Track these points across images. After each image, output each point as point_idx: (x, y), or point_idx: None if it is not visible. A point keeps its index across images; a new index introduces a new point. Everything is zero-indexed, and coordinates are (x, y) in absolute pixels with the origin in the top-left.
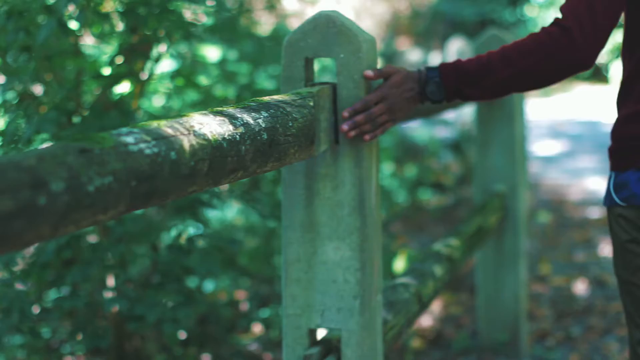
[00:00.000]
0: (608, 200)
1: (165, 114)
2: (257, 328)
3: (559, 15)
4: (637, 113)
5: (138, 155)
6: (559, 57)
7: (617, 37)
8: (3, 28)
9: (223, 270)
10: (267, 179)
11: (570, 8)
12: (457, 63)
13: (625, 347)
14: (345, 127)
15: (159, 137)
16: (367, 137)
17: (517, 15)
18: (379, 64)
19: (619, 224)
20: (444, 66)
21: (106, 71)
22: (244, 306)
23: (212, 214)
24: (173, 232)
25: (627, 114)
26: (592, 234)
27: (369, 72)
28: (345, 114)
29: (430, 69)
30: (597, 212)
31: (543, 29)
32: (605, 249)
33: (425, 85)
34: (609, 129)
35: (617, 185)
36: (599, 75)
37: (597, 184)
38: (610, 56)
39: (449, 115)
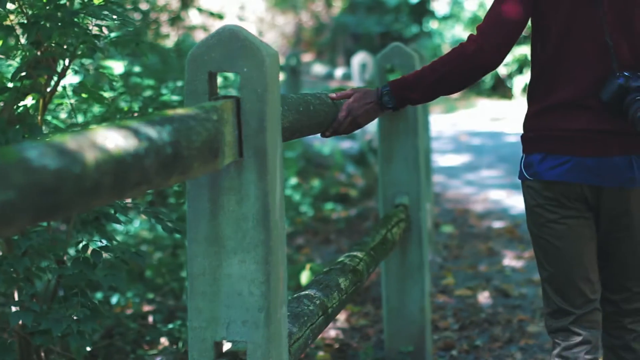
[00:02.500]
0: (521, 175)
1: (70, 127)
2: (164, 341)
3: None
4: (539, 111)
5: (41, 169)
6: (469, 62)
7: (515, 51)
8: None
9: (129, 283)
10: (173, 191)
11: (482, 26)
12: (401, 77)
13: (527, 357)
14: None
15: (63, 152)
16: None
17: (421, 27)
18: (282, 76)
19: (529, 192)
20: (391, 81)
21: (10, 85)
22: (151, 319)
23: (118, 227)
24: (79, 246)
25: (533, 111)
26: (496, 244)
27: (333, 95)
28: (328, 134)
29: (383, 86)
30: (500, 223)
31: (460, 43)
32: (508, 260)
33: (381, 97)
34: (511, 141)
35: (526, 164)
36: (502, 90)
37: (500, 195)
38: (510, 68)
39: None
